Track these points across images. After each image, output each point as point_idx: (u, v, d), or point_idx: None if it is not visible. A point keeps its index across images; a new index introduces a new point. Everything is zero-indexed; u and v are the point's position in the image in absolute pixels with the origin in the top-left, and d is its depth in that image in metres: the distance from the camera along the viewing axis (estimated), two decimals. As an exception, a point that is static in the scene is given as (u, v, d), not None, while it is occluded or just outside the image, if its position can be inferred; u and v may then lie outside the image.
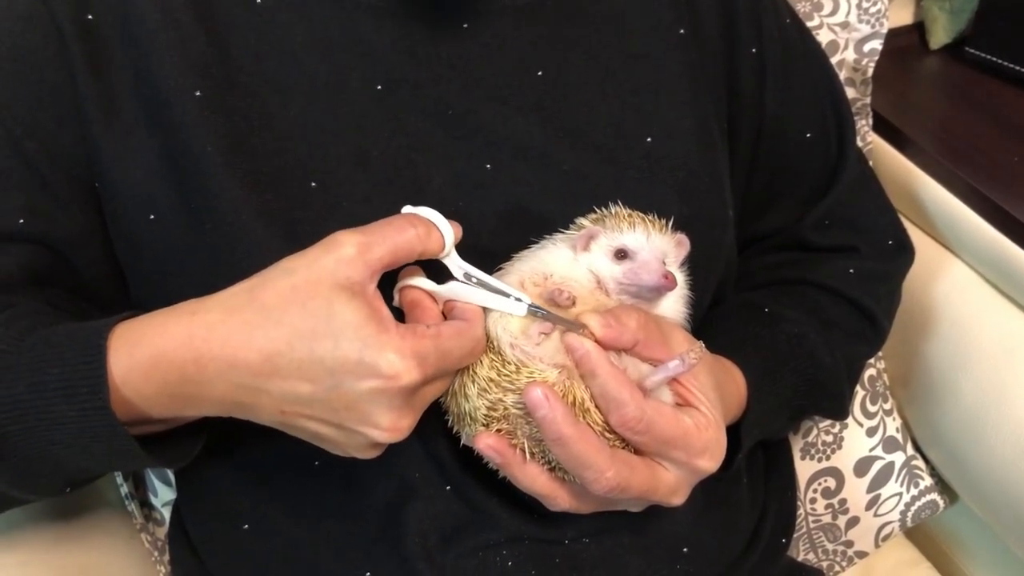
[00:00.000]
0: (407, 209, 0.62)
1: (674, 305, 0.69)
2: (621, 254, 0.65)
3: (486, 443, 0.62)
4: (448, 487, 0.70)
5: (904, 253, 0.92)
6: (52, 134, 0.69)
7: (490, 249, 0.67)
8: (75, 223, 0.71)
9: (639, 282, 0.64)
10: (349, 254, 0.57)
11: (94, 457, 0.61)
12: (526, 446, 0.62)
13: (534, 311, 0.62)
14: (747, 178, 0.85)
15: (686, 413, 0.64)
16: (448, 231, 0.61)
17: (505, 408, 0.61)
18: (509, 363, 0.61)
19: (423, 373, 0.56)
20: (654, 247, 0.66)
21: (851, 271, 0.87)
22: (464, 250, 0.64)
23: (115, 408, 0.58)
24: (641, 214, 0.67)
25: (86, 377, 0.58)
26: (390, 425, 0.57)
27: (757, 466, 0.87)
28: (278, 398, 0.57)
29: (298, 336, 0.56)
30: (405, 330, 0.57)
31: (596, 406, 0.61)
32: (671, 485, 0.64)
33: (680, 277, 0.68)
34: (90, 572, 0.82)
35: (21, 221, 0.69)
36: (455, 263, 0.63)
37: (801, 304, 0.85)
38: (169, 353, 0.58)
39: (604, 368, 0.60)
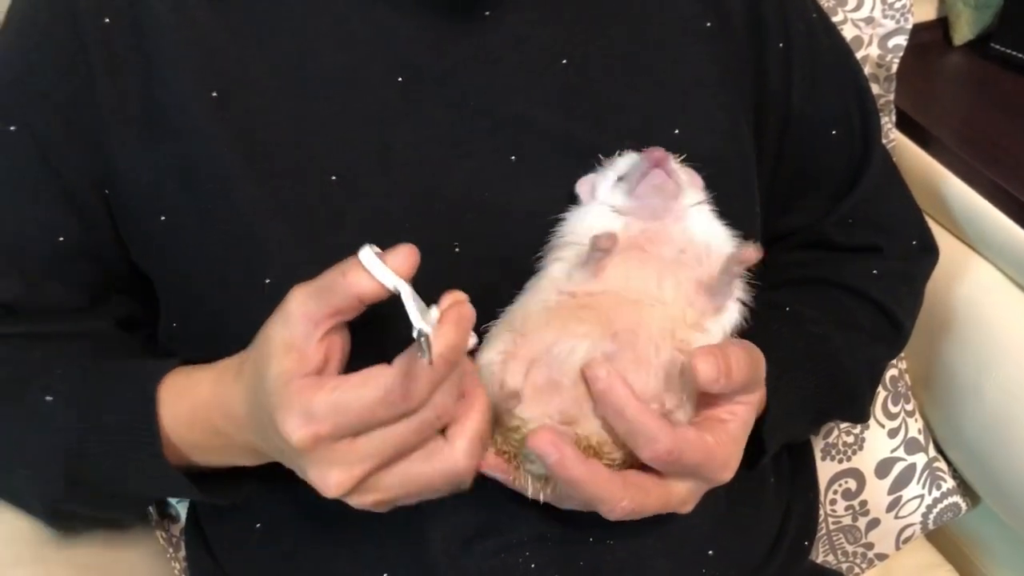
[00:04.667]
0: (363, 250, 0.55)
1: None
2: (620, 179, 0.65)
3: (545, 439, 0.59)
4: None
5: (928, 254, 0.91)
6: (75, 145, 0.69)
7: (518, 239, 0.67)
8: (107, 231, 0.72)
9: (639, 181, 0.64)
10: (289, 309, 0.55)
11: (156, 493, 0.70)
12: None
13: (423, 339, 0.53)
14: (772, 174, 0.84)
15: (708, 430, 0.63)
16: (385, 278, 0.54)
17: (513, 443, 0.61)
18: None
19: (314, 431, 0.53)
20: (648, 156, 0.65)
21: (874, 272, 0.86)
22: (493, 241, 0.64)
23: (168, 454, 0.64)
24: None
25: (141, 428, 0.64)
26: (318, 482, 0.55)
27: (782, 467, 0.86)
28: (268, 450, 0.60)
29: (251, 394, 0.58)
30: (308, 385, 0.54)
31: (615, 441, 0.60)
32: (683, 497, 0.64)
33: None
34: (105, 568, 0.82)
35: (61, 239, 0.71)
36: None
37: (823, 304, 0.84)
38: (200, 409, 0.63)
39: (632, 404, 0.58)
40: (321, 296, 0.55)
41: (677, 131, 0.73)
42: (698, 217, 0.67)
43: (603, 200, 0.66)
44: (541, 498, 0.63)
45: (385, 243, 0.66)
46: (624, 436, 0.59)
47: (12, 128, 0.69)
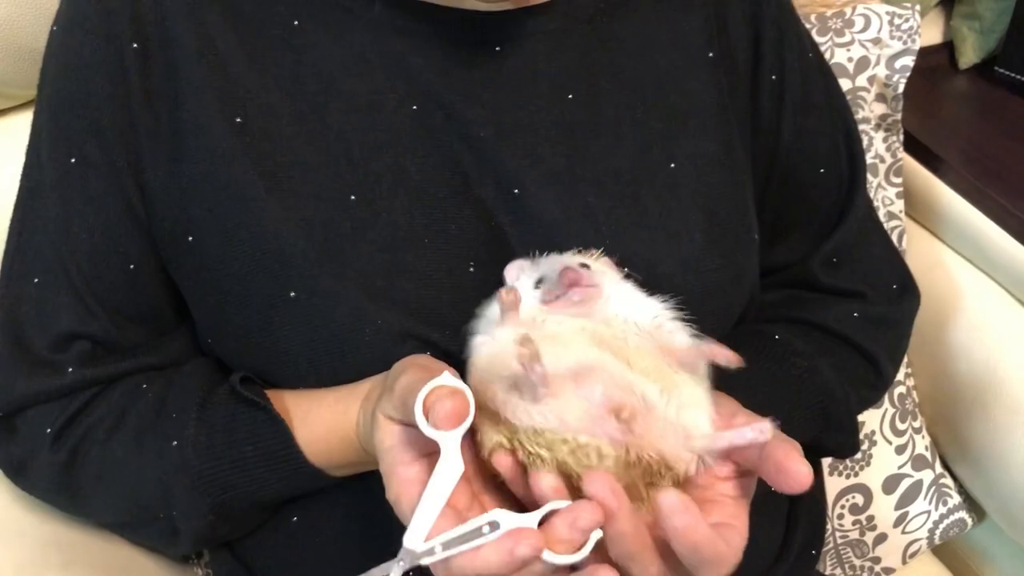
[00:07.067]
0: (421, 392, 0.53)
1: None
2: (539, 282, 0.63)
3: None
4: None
5: (909, 296, 0.90)
6: (131, 170, 0.71)
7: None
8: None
9: (555, 282, 0.62)
10: (396, 393, 0.57)
11: (295, 491, 0.73)
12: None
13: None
14: (759, 207, 0.84)
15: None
16: (428, 431, 0.53)
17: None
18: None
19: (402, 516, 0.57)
20: (562, 260, 0.64)
21: (855, 315, 0.86)
22: (499, 266, 0.66)
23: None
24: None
25: (282, 452, 0.69)
26: None
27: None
28: None
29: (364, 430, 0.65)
30: (405, 482, 0.56)
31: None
32: None
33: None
34: (130, 572, 0.84)
35: (132, 267, 0.73)
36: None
37: (809, 341, 0.83)
38: (344, 430, 0.68)
39: (710, 541, 0.54)
40: (404, 408, 0.56)
41: (673, 165, 0.75)
42: (620, 298, 0.64)
43: (529, 305, 0.63)
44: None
45: (405, 260, 0.69)
46: (691, 566, 0.55)
47: (88, 161, 0.71)
